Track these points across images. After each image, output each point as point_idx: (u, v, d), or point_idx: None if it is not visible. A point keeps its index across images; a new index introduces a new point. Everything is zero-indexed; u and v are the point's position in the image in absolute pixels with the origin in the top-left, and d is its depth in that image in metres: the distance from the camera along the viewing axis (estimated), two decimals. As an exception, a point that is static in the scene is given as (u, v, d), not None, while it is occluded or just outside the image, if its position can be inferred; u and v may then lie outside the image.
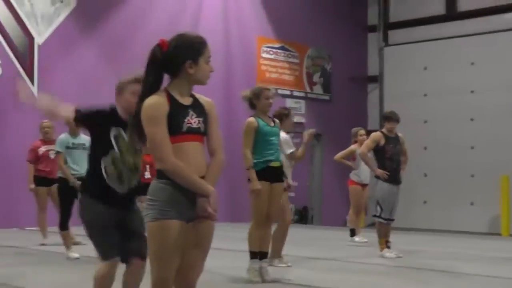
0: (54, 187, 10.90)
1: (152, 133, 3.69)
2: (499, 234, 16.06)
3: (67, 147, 9.49)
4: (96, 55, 15.72)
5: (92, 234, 4.70)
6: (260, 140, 7.36)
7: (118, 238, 4.67)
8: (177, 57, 3.80)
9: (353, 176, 12.15)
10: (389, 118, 10.14)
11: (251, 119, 7.51)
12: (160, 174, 3.77)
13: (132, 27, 16.26)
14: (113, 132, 4.69)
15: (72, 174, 9.31)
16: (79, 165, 9.28)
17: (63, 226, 9.41)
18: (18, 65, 14.81)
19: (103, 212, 4.64)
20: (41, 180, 11.01)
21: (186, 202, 3.75)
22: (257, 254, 7.40)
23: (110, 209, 4.65)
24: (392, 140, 10.02)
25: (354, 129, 12.34)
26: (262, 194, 7.26)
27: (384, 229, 9.99)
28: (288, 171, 8.64)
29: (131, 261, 4.68)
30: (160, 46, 3.82)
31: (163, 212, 3.71)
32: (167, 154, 3.68)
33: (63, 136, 9.60)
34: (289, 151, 8.54)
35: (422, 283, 7.80)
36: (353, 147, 12.08)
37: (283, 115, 8.70)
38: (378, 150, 10.00)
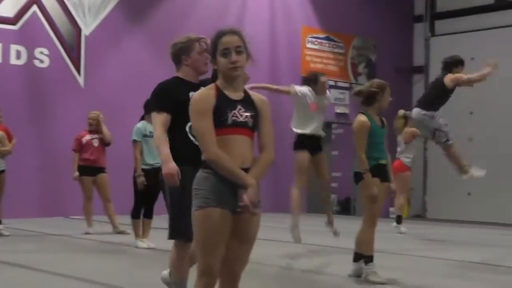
0: (100, 176, 11.13)
1: (197, 125, 3.84)
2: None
3: (145, 136, 9.56)
4: (142, 46, 15.84)
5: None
6: (371, 142, 6.93)
7: None
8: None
9: (406, 160, 12.30)
10: None
11: (364, 118, 7.00)
12: (203, 164, 3.88)
13: (178, 18, 16.32)
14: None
15: (150, 165, 9.36)
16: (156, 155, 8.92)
17: (135, 214, 9.52)
18: (66, 56, 15.02)
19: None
20: (86, 169, 11.17)
21: (229, 192, 3.84)
22: (372, 258, 6.93)
23: None
24: None
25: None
26: (378, 196, 6.83)
27: None
28: None
29: None
30: None
31: (206, 200, 3.80)
32: (210, 145, 3.79)
33: (140, 125, 9.63)
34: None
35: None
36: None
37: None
38: None
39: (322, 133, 9.50)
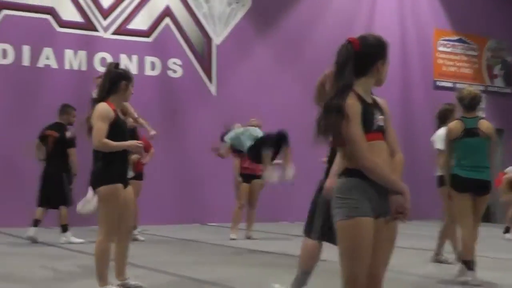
0: (254, 182, 11.30)
1: (350, 131, 3.70)
2: None
3: None
4: (271, 54, 15.94)
5: None
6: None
7: None
8: (371, 56, 3.83)
9: None
10: None
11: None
12: (348, 172, 3.78)
13: (307, 26, 16.35)
14: None
15: None
16: None
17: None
18: (198, 65, 15.30)
19: None
20: (245, 177, 11.40)
21: (378, 198, 3.76)
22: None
23: None
24: None
25: None
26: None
27: None
28: None
29: None
30: (352, 44, 3.82)
31: (356, 210, 3.71)
32: (366, 152, 3.70)
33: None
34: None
35: None
36: None
37: (447, 112, 8.51)
38: None
39: None
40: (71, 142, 10.65)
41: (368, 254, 3.72)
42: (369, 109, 3.78)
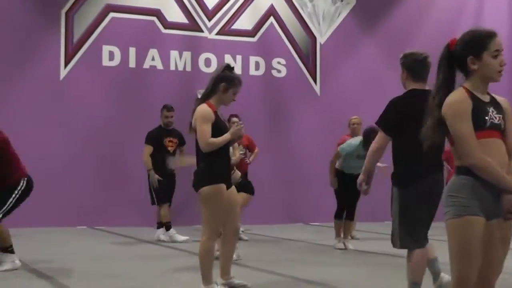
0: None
1: (458, 129, 3.65)
2: None
3: None
4: (376, 52, 15.66)
5: None
6: None
7: None
8: (461, 53, 3.75)
9: None
10: None
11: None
12: (461, 170, 3.71)
13: (413, 23, 15.97)
14: None
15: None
16: None
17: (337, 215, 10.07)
18: (302, 65, 15.21)
19: None
20: None
21: (490, 198, 3.66)
22: None
23: None
24: None
25: None
26: None
27: None
28: None
29: None
30: (448, 44, 3.81)
31: (465, 208, 3.63)
32: (474, 149, 3.62)
33: None
34: None
35: None
36: None
37: None
38: None
39: None
40: (146, 139, 10.94)
41: (478, 254, 3.64)
42: (481, 106, 3.69)
